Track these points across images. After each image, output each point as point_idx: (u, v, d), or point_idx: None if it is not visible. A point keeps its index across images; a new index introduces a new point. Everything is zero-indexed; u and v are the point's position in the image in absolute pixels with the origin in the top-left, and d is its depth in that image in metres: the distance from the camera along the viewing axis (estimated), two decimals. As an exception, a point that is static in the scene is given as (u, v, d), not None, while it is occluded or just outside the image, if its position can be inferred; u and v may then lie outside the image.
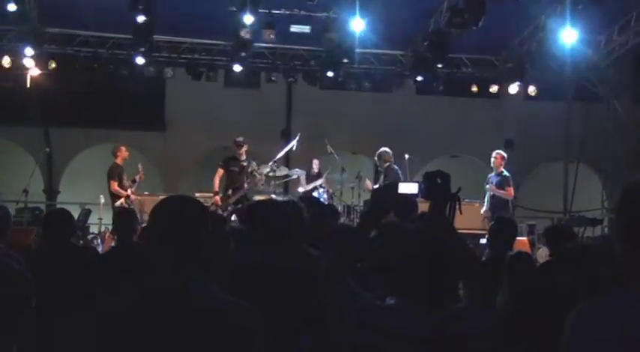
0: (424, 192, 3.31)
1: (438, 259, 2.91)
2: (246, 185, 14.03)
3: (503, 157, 14.29)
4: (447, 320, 2.86)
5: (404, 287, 2.90)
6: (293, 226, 4.60)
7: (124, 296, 2.88)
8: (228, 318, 2.79)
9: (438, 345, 2.81)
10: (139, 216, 14.24)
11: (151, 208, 3.02)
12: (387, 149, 14.34)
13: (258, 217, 4.67)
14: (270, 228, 4.54)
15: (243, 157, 14.16)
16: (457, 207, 3.21)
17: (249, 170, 14.08)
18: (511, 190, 14.11)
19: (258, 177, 14.06)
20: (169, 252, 2.84)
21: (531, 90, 18.83)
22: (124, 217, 7.45)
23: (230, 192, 14.01)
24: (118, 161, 14.68)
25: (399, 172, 14.13)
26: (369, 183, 14.53)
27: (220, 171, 14.18)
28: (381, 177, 14.24)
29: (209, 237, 2.92)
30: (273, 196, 14.35)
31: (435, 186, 3.25)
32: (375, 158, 14.41)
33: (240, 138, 14.26)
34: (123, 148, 14.89)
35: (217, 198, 13.93)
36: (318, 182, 15.50)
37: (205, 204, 11.62)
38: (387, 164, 14.19)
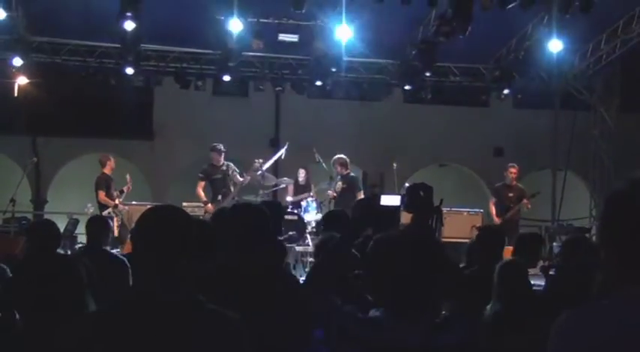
0: (407, 204, 3.30)
1: (423, 269, 2.87)
2: (232, 188, 14.10)
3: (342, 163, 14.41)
4: (432, 330, 2.82)
5: (390, 296, 2.86)
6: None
7: (104, 305, 2.86)
8: (212, 327, 2.77)
9: None
10: (127, 225, 14.31)
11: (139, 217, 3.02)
12: (343, 156, 14.37)
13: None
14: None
15: (221, 163, 14.20)
16: (440, 219, 3.22)
17: (230, 172, 14.15)
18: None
19: (240, 178, 14.11)
20: (153, 260, 2.83)
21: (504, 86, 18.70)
22: (93, 225, 7.44)
23: (219, 197, 14.05)
24: (106, 171, 14.64)
25: (359, 179, 14.15)
26: (331, 192, 14.49)
27: (202, 183, 14.32)
28: (337, 185, 14.20)
29: (194, 246, 2.90)
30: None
31: (418, 198, 3.25)
32: (332, 164, 14.38)
33: (221, 146, 14.32)
34: (111, 158, 14.86)
35: (209, 206, 13.99)
36: (306, 195, 15.44)
37: (194, 214, 11.64)
38: (347, 171, 14.23)
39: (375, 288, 2.93)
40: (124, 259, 7.54)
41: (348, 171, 14.41)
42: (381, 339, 2.76)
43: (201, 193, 14.28)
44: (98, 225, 7.68)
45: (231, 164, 14.36)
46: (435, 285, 2.89)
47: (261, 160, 14.65)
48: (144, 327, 2.72)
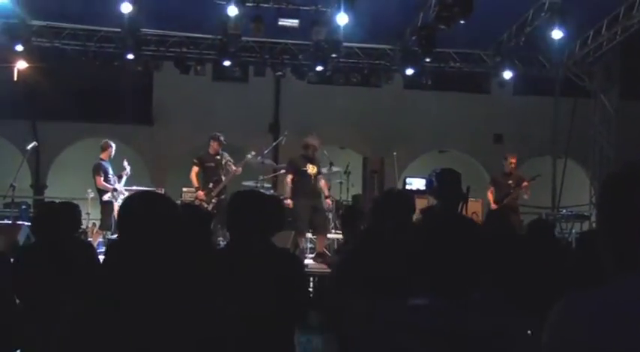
0: (435, 190, 3.25)
1: (457, 251, 2.80)
2: (223, 177, 14.15)
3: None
4: (469, 313, 2.73)
5: (427, 281, 2.78)
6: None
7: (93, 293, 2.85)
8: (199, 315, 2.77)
9: (462, 341, 2.70)
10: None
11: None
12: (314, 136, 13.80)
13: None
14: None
15: (218, 152, 14.27)
16: (466, 206, 3.18)
17: (223, 162, 14.20)
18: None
19: (234, 167, 14.13)
20: (139, 246, 2.82)
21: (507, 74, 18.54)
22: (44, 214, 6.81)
23: (211, 185, 14.11)
24: (103, 156, 14.63)
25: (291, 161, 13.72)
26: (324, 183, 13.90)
27: (196, 169, 14.35)
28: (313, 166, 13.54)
29: (179, 232, 2.89)
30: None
31: (448, 184, 3.21)
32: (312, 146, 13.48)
33: (222, 136, 14.34)
34: (112, 145, 14.85)
35: (200, 192, 14.10)
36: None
37: (192, 200, 11.67)
38: (316, 152, 13.49)
39: (422, 270, 2.84)
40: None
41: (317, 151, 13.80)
42: (439, 324, 2.69)
43: (195, 178, 14.33)
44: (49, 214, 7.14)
45: (226, 154, 14.38)
46: (471, 266, 2.82)
47: (253, 152, 14.78)
48: (133, 314, 2.71)
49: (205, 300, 2.90)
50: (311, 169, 13.05)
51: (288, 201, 12.73)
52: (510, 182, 14.42)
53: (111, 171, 14.54)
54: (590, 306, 2.05)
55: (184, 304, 2.77)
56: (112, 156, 14.74)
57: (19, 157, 17.54)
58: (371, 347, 2.78)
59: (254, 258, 4.34)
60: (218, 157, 14.25)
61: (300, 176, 13.00)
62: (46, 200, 19.50)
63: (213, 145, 14.29)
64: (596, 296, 2.06)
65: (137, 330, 2.69)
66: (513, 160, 14.64)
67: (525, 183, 14.33)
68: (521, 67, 18.45)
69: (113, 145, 14.85)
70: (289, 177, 13.17)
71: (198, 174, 14.39)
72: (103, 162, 14.56)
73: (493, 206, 14.28)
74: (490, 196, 14.57)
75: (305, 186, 12.97)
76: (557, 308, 2.11)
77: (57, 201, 7.40)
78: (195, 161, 14.42)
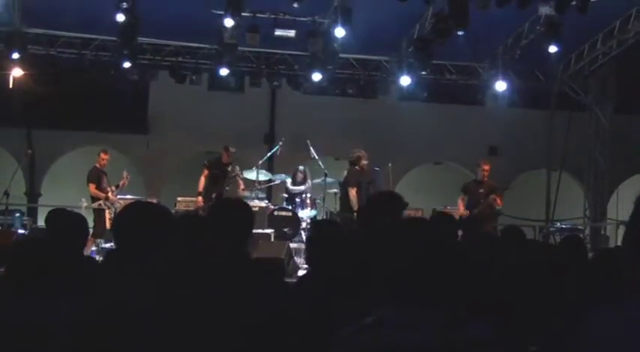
0: None
1: (442, 255, 2.65)
2: (227, 188, 14.21)
3: None
4: (454, 324, 2.54)
5: (407, 285, 2.61)
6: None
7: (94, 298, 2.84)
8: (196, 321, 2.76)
9: None
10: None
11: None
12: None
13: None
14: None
15: (228, 162, 14.36)
16: None
17: (233, 174, 14.28)
18: None
19: (242, 186, 14.30)
20: (137, 256, 2.81)
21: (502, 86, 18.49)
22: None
23: (213, 195, 14.12)
24: (98, 164, 14.65)
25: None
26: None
27: (205, 172, 14.57)
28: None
29: (174, 240, 2.89)
30: (256, 202, 14.51)
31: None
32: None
33: (233, 149, 14.66)
34: (106, 153, 14.88)
35: (200, 198, 14.23)
36: (303, 188, 15.46)
37: (187, 209, 11.70)
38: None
39: (389, 278, 2.66)
40: None
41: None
42: (389, 341, 2.48)
43: (202, 181, 14.52)
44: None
45: (238, 168, 14.55)
46: (455, 276, 2.67)
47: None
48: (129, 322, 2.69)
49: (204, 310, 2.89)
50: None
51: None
52: (482, 191, 13.96)
53: (106, 180, 14.56)
54: (619, 318, 2.03)
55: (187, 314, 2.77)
56: (105, 163, 14.75)
57: (13, 165, 17.50)
58: None
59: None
60: (228, 168, 14.39)
61: (362, 189, 13.57)
62: (40, 208, 19.47)
63: (224, 155, 14.56)
64: (625, 309, 2.05)
65: (138, 339, 2.69)
66: (486, 167, 14.14)
67: (493, 197, 14.00)
68: (517, 79, 18.47)
69: (107, 153, 14.86)
70: (354, 191, 13.56)
71: (206, 178, 14.54)
72: (97, 170, 14.59)
73: (463, 213, 13.84)
74: (461, 204, 14.16)
75: (364, 198, 13.30)
76: (586, 316, 2.10)
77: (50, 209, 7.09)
78: (205, 163, 14.72)
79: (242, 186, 14.39)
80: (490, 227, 13.77)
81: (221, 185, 14.34)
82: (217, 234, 4.25)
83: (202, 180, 14.55)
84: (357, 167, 13.87)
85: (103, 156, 14.73)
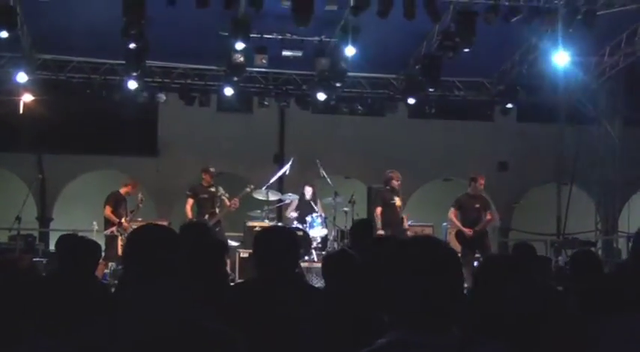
0: None
1: (448, 276, 2.65)
2: (217, 210, 14.22)
3: None
4: (464, 345, 2.55)
5: (416, 308, 2.61)
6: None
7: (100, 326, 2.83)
8: (207, 346, 2.74)
9: None
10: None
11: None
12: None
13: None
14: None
15: (210, 184, 14.50)
16: None
17: (218, 194, 14.30)
18: None
19: (228, 202, 14.28)
20: (143, 277, 2.80)
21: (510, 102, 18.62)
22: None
23: (206, 217, 14.15)
24: (122, 191, 14.71)
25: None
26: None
27: (190, 201, 14.49)
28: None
29: (183, 263, 2.88)
30: (266, 222, 14.49)
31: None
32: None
33: (213, 168, 14.66)
34: (134, 184, 14.99)
35: None
36: (316, 211, 15.40)
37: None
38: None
39: (397, 302, 2.66)
40: None
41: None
42: None
43: (189, 211, 14.44)
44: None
45: (221, 188, 14.52)
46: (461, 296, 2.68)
47: (252, 186, 15.09)
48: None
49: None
50: (398, 202, 14.18)
51: (381, 232, 13.04)
52: (478, 205, 13.95)
53: (124, 207, 14.60)
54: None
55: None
56: (129, 193, 14.82)
57: (24, 190, 17.56)
58: None
59: None
60: (212, 189, 14.39)
61: (389, 208, 13.99)
62: (52, 233, 19.50)
63: (205, 177, 14.55)
64: None
65: None
66: (482, 181, 14.17)
67: (489, 217, 14.02)
68: (525, 94, 18.45)
69: (135, 185, 14.97)
70: (379, 210, 13.99)
71: (192, 207, 14.48)
72: (118, 195, 14.64)
73: (468, 232, 13.68)
74: (454, 218, 14.04)
75: (392, 217, 14.00)
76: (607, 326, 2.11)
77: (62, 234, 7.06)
78: (188, 193, 14.59)
79: (228, 203, 14.35)
80: (487, 241, 14.02)
81: (211, 207, 14.36)
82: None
83: (189, 210, 14.44)
84: (387, 187, 14.22)
85: (132, 188, 14.81)
